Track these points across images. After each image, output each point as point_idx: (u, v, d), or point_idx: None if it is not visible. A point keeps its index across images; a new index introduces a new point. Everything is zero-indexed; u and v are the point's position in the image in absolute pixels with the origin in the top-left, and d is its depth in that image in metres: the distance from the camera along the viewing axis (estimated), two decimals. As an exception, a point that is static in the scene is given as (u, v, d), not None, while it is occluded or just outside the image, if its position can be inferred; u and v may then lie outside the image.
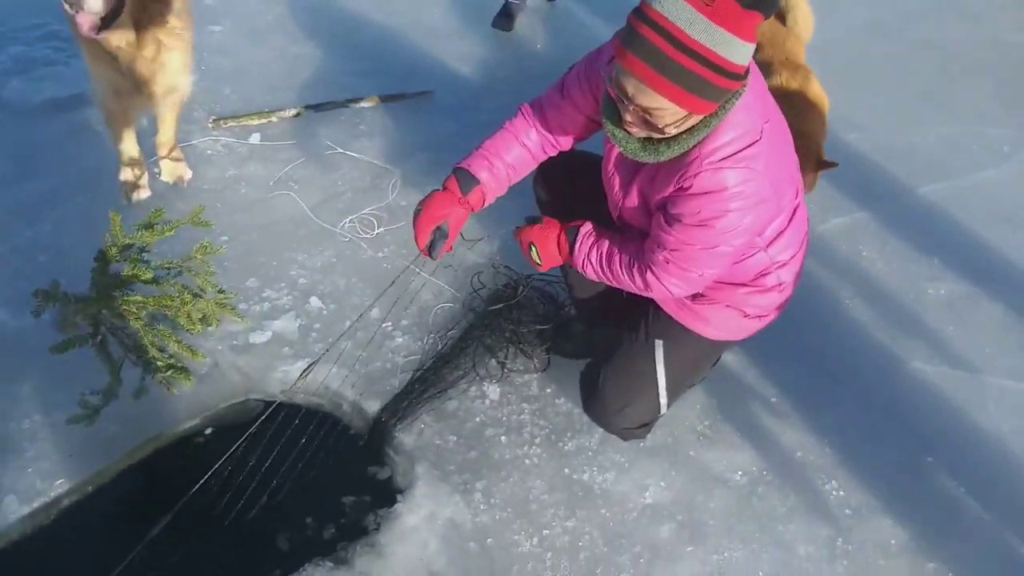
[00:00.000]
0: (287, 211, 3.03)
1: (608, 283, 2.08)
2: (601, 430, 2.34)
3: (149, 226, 2.18)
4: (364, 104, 3.69)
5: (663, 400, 2.22)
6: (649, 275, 1.91)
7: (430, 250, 2.00)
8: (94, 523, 2.07)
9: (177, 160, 3.11)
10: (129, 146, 2.93)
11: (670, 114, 1.63)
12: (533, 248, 2.09)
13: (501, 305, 2.66)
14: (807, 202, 2.12)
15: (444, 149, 3.44)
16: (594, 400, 2.26)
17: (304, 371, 2.20)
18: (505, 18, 4.31)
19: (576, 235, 2.04)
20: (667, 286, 1.92)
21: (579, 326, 2.61)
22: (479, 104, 3.81)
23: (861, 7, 5.16)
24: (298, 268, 2.79)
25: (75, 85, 3.58)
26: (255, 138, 3.41)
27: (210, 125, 3.43)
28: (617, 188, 1.99)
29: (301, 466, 2.15)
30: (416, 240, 2.01)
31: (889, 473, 2.33)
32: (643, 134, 1.74)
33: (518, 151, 2.09)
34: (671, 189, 1.77)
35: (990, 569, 2.13)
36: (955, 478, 2.33)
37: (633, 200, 1.94)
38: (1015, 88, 4.47)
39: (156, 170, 3.10)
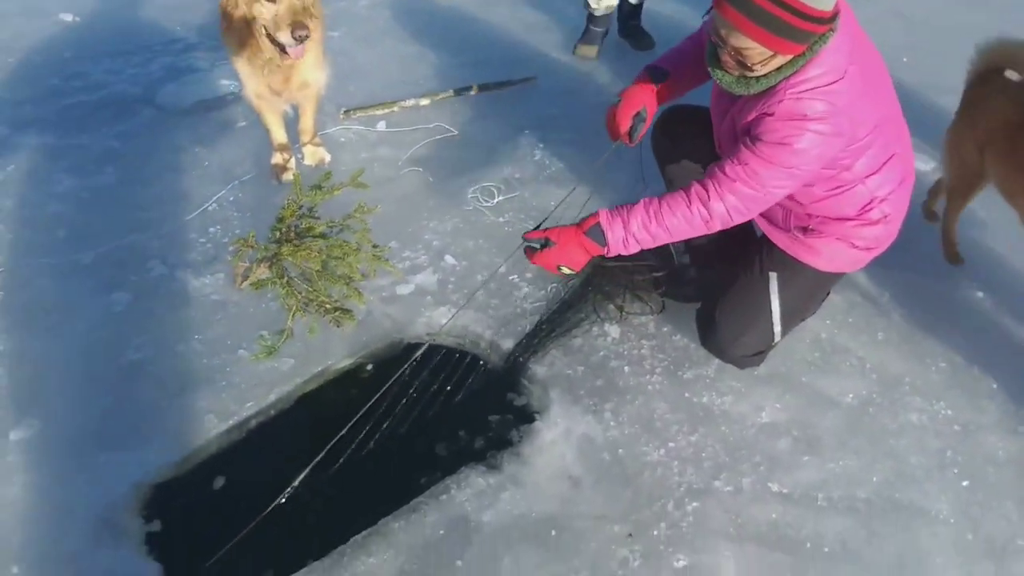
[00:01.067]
0: (416, 185, 3.36)
1: (655, 243, 2.16)
2: (717, 361, 2.56)
3: (318, 187, 2.53)
4: (474, 92, 4.01)
5: (777, 328, 2.42)
6: (713, 197, 2.05)
7: (630, 134, 2.32)
8: (278, 438, 2.40)
9: (317, 145, 3.50)
10: (277, 133, 3.33)
11: (757, 54, 1.88)
12: (561, 267, 2.19)
13: (615, 262, 2.89)
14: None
15: (549, 128, 3.74)
16: (711, 330, 2.48)
17: (452, 316, 2.51)
18: (585, 45, 4.31)
19: (599, 230, 2.13)
20: (728, 208, 2.06)
21: (692, 272, 2.83)
22: (578, 88, 4.09)
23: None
24: (431, 233, 3.11)
25: (218, 89, 4.04)
26: (381, 126, 3.77)
27: (341, 116, 3.82)
28: (716, 119, 2.23)
29: (451, 389, 2.45)
30: (617, 126, 2.34)
31: (994, 395, 2.45)
32: (737, 73, 1.98)
33: (694, 53, 2.36)
34: (754, 114, 2.00)
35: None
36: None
37: (728, 130, 2.17)
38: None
39: (300, 155, 3.48)
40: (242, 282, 2.80)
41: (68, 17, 4.83)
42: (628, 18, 4.36)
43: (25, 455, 2.26)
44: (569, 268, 2.19)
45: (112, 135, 3.68)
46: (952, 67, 2.97)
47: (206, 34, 4.58)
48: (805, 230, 2.33)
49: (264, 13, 2.65)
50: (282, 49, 2.75)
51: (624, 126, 2.33)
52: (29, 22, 4.74)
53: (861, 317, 2.74)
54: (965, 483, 2.23)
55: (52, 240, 3.03)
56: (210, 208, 3.22)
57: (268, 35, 2.71)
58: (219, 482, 2.26)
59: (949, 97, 2.98)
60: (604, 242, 2.13)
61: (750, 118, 2.04)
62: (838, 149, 2.01)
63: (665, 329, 2.71)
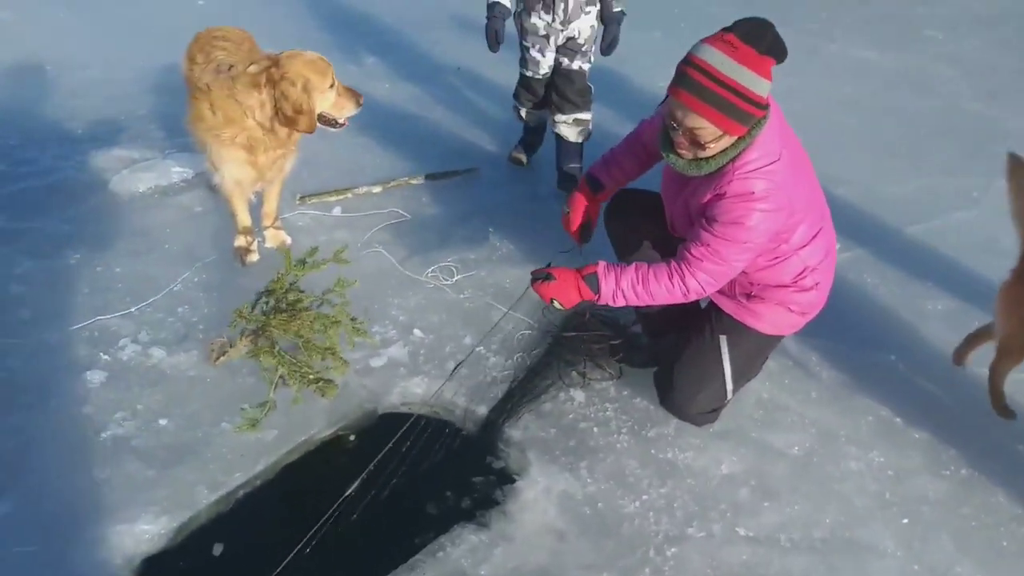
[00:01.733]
0: (378, 266, 3.53)
1: (638, 302, 2.45)
2: (676, 420, 2.79)
3: (302, 262, 2.67)
4: (422, 180, 4.26)
5: (729, 387, 2.70)
6: (687, 275, 2.36)
7: (581, 237, 2.74)
8: (268, 506, 2.46)
9: (278, 229, 3.64)
10: (244, 217, 3.46)
11: (709, 132, 2.20)
12: (554, 301, 2.48)
13: (573, 333, 3.13)
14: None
15: (495, 213, 4.02)
16: (670, 391, 2.73)
17: (438, 389, 2.69)
18: (520, 152, 4.44)
19: (596, 279, 2.42)
20: (700, 283, 2.37)
21: (644, 339, 3.09)
22: (519, 178, 4.40)
23: (834, 86, 5.98)
24: (397, 309, 3.27)
25: (171, 176, 4.14)
26: (336, 211, 3.95)
27: (296, 202, 3.98)
28: (669, 202, 2.54)
29: (436, 455, 2.58)
30: (572, 228, 2.76)
31: (917, 444, 2.78)
32: (690, 155, 2.32)
33: (632, 163, 2.77)
34: (709, 196, 2.31)
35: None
36: (969, 444, 2.78)
37: (681, 210, 2.48)
38: (975, 146, 5.19)
39: (260, 239, 3.60)
40: (217, 358, 2.87)
41: (6, 105, 4.83)
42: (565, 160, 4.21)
43: (9, 530, 2.23)
44: (560, 304, 2.46)
45: (66, 219, 3.70)
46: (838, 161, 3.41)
47: (153, 124, 4.69)
48: (749, 296, 2.64)
49: (328, 100, 3.03)
50: (334, 123, 3.12)
51: (575, 229, 2.79)
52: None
53: (795, 379, 3.06)
54: (905, 520, 2.51)
55: (16, 320, 3.02)
56: (175, 289, 3.28)
57: (322, 118, 3.07)
58: (215, 551, 2.28)
59: (836, 187, 3.42)
60: (597, 290, 2.40)
61: (705, 200, 2.35)
62: (781, 222, 2.34)
63: (625, 392, 2.94)
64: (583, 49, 3.86)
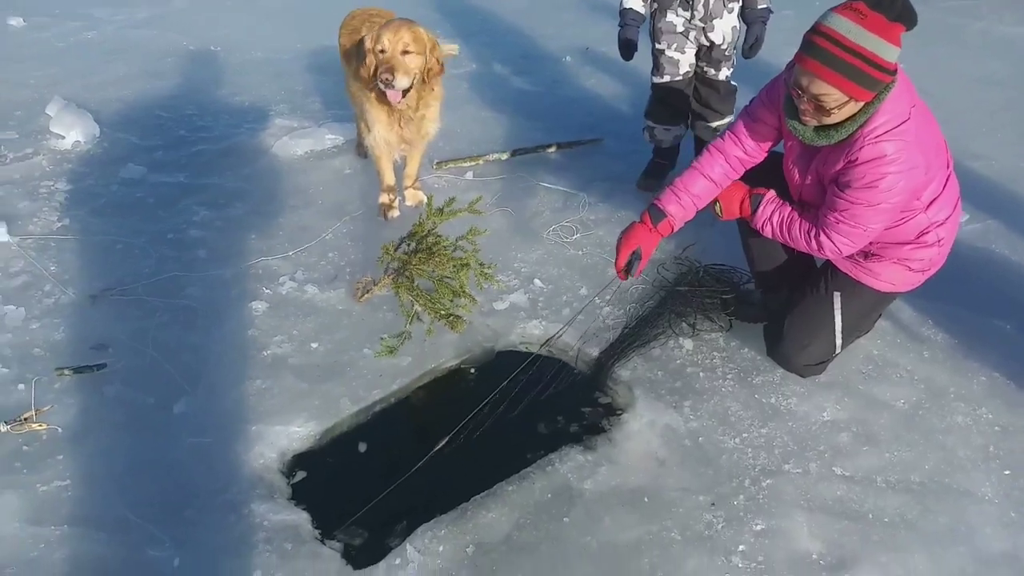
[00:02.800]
0: (504, 224, 3.81)
1: (781, 240, 2.66)
2: (782, 370, 2.90)
3: (440, 211, 2.98)
4: (551, 150, 4.51)
5: (838, 341, 2.79)
6: (823, 236, 2.49)
7: (627, 270, 2.74)
8: (402, 420, 2.80)
9: (417, 189, 3.99)
10: (388, 177, 3.83)
11: (834, 99, 2.26)
12: (717, 204, 2.70)
13: (686, 288, 3.28)
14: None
15: (616, 180, 4.21)
16: (779, 341, 2.85)
17: (558, 332, 2.93)
18: (649, 178, 4.18)
19: (760, 200, 2.67)
20: (837, 244, 2.49)
21: (757, 295, 3.20)
22: (639, 148, 4.54)
23: (977, 64, 5.77)
24: (519, 262, 3.53)
25: (325, 143, 4.59)
26: (469, 175, 4.27)
27: (434, 167, 4.32)
28: (797, 176, 2.63)
29: (550, 388, 2.82)
30: (617, 263, 2.77)
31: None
32: (814, 122, 2.39)
33: (703, 184, 2.75)
34: (841, 164, 2.39)
35: None
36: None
37: (811, 182, 2.57)
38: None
39: (401, 198, 3.97)
40: (362, 295, 3.23)
41: (185, 81, 5.46)
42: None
43: (188, 424, 2.66)
44: (720, 210, 2.73)
45: (238, 177, 4.21)
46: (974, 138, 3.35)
47: (308, 98, 5.20)
48: (867, 255, 2.70)
49: (372, 63, 3.29)
50: (382, 95, 3.32)
51: (621, 263, 2.78)
52: (147, 89, 5.38)
53: (908, 338, 3.08)
54: (1007, 472, 2.52)
55: (195, 259, 3.51)
56: (327, 238, 3.69)
57: (374, 82, 3.30)
58: (354, 452, 2.63)
59: (972, 162, 3.36)
60: (756, 209, 2.65)
61: (837, 168, 2.42)
62: (916, 180, 2.38)
63: (733, 343, 3.07)
64: (726, 54, 3.71)
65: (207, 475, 2.46)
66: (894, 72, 2.29)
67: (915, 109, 2.37)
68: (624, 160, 4.46)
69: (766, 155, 2.78)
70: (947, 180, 2.58)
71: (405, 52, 3.23)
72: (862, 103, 2.29)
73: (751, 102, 2.76)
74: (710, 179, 2.73)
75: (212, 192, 4.06)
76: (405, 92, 3.29)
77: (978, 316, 3.19)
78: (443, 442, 2.50)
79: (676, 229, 2.81)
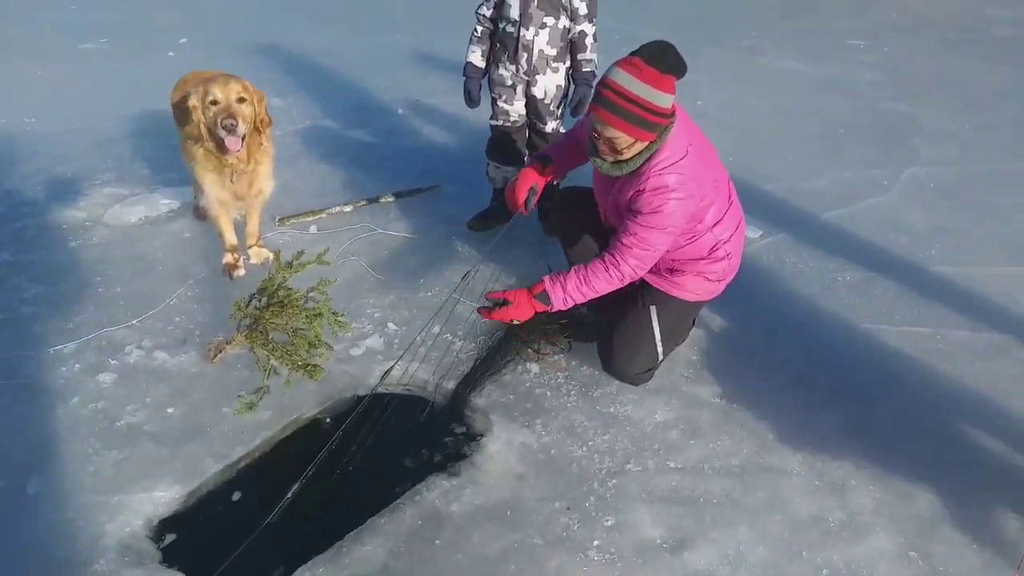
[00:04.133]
0: (354, 273, 3.95)
1: (586, 299, 2.92)
2: (617, 382, 3.23)
3: (288, 264, 3.10)
4: (390, 199, 4.72)
5: (660, 349, 3.16)
6: (620, 262, 2.82)
7: (525, 205, 3.10)
8: (264, 474, 2.85)
9: (261, 247, 4.06)
10: (230, 236, 3.88)
11: (623, 140, 2.69)
12: (513, 321, 2.93)
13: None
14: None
15: (455, 223, 4.48)
16: (610, 357, 3.18)
17: (395, 361, 3.10)
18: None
19: (546, 295, 2.87)
20: (632, 267, 2.84)
21: (590, 316, 3.54)
22: (476, 192, 4.85)
23: (765, 95, 6.60)
24: (372, 307, 3.69)
25: (160, 208, 4.55)
26: (313, 229, 4.39)
27: (276, 223, 4.41)
28: (601, 201, 3.02)
29: (411, 422, 3.00)
30: (516, 198, 3.11)
31: (823, 387, 3.25)
32: (611, 158, 2.79)
33: (571, 150, 3.20)
34: (631, 192, 2.79)
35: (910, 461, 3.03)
36: (867, 386, 3.26)
37: (611, 206, 2.96)
38: (890, 141, 5.79)
39: (246, 257, 4.02)
40: (214, 356, 3.27)
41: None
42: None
43: (44, 503, 2.60)
44: (519, 321, 2.90)
45: (66, 251, 4.09)
46: (766, 162, 3.92)
47: (137, 164, 5.12)
48: (672, 271, 3.11)
49: (203, 119, 3.36)
50: (221, 145, 3.39)
51: (521, 198, 3.13)
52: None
53: (719, 344, 3.52)
54: (808, 447, 2.96)
55: (30, 336, 3.40)
56: (172, 303, 3.68)
57: (210, 135, 3.38)
58: (221, 510, 2.67)
59: (762, 184, 3.92)
60: (549, 302, 2.85)
61: (628, 196, 2.82)
62: (694, 207, 2.81)
63: (574, 363, 3.38)
64: (551, 109, 4.04)
65: (71, 550, 2.43)
66: (671, 115, 2.71)
67: (692, 147, 2.81)
68: (462, 203, 4.73)
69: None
70: (728, 205, 3.04)
71: (239, 100, 3.34)
72: (646, 142, 2.69)
73: (575, 126, 3.26)
74: (573, 145, 3.18)
75: (41, 267, 3.93)
76: (242, 141, 3.39)
77: (774, 318, 3.70)
78: (300, 481, 2.57)
79: (556, 179, 3.28)
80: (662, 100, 2.62)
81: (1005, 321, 3.70)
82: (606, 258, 2.87)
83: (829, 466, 2.88)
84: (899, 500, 2.75)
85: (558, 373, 3.32)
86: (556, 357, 3.41)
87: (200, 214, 4.34)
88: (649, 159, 2.75)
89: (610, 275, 2.86)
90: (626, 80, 2.59)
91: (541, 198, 3.29)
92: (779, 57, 8.01)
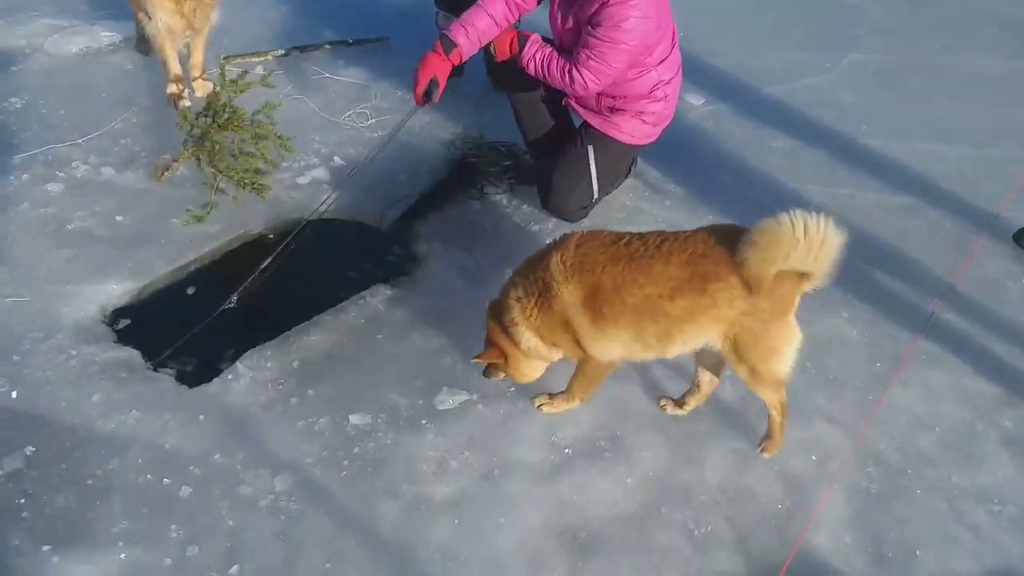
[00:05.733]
0: (300, 112, 3.99)
1: (541, 77, 3.08)
2: (555, 220, 3.41)
3: (233, 82, 3.14)
4: (334, 45, 4.69)
5: (595, 186, 3.34)
6: (575, 72, 2.97)
7: (426, 97, 3.06)
8: (213, 277, 3.00)
9: (206, 80, 4.04)
10: (175, 66, 3.86)
11: None
12: (491, 45, 3.10)
13: (473, 159, 3.70)
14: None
15: (404, 74, 4.46)
16: (548, 192, 3.35)
17: (336, 191, 3.21)
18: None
19: (526, 41, 3.08)
20: (586, 80, 2.97)
21: (531, 162, 3.69)
22: (424, 47, 4.83)
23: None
24: (318, 144, 3.76)
25: (101, 40, 4.45)
26: (259, 69, 4.35)
27: (221, 62, 4.34)
28: (559, 22, 3.11)
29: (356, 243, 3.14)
30: (416, 91, 3.08)
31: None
32: None
33: (487, 21, 3.12)
34: (596, 7, 2.88)
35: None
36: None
37: (571, 26, 3.04)
38: (836, 29, 5.90)
39: (190, 90, 4.01)
40: (162, 174, 3.32)
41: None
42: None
43: (5, 289, 2.71)
44: (493, 50, 3.09)
45: (9, 75, 4.01)
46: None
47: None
48: (612, 110, 3.25)
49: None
50: None
51: (420, 89, 3.13)
52: None
53: (653, 192, 3.71)
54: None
55: (-26, 148, 3.40)
56: (116, 127, 3.69)
57: None
58: (172, 304, 2.81)
59: (708, 58, 4.06)
60: (523, 47, 3.04)
61: (592, 10, 2.90)
62: (651, 32, 2.92)
63: (514, 202, 3.54)
64: None
65: (28, 327, 2.56)
66: None
67: None
68: (409, 57, 4.62)
69: (536, 4, 3.19)
70: (672, 47, 3.17)
71: None
72: None
73: None
74: (492, 18, 3.09)
75: (-16, 89, 3.86)
76: None
77: (707, 175, 3.90)
78: (256, 273, 2.73)
79: (464, 60, 3.17)
80: None
81: (920, 188, 3.97)
82: (567, 64, 3.00)
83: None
84: (801, 323, 3.01)
85: (498, 210, 3.49)
86: (498, 197, 3.56)
87: (143, 48, 4.27)
88: None
89: (564, 76, 3.02)
90: None
91: (489, 63, 3.33)
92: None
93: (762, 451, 2.53)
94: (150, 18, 3.65)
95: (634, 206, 3.61)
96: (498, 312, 2.44)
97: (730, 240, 2.21)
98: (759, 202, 3.70)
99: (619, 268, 2.24)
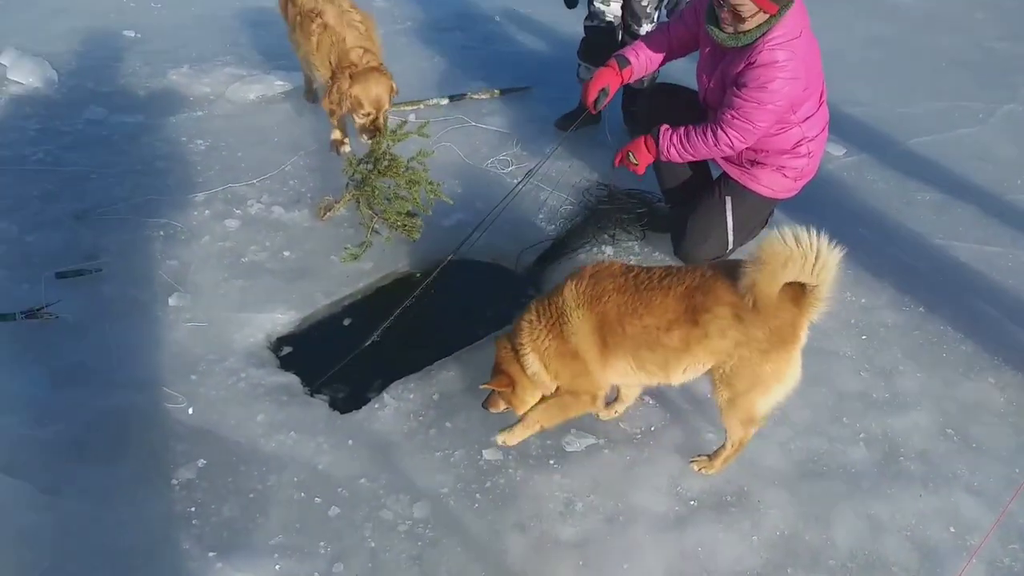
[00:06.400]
0: (448, 157, 4.26)
1: (687, 156, 3.19)
2: (686, 267, 3.46)
3: (394, 133, 3.42)
4: (483, 96, 4.97)
5: (731, 238, 3.38)
6: (720, 132, 3.05)
7: (595, 104, 3.29)
8: (365, 311, 3.26)
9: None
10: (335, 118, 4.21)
11: (748, 8, 2.80)
12: (630, 155, 3.25)
13: (607, 206, 3.82)
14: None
15: (544, 122, 4.71)
16: (682, 239, 3.42)
17: (476, 228, 3.40)
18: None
19: (658, 133, 3.20)
20: (731, 138, 3.04)
21: (666, 209, 3.76)
22: (565, 96, 5.04)
23: (868, 26, 6.48)
24: (463, 188, 3.99)
25: (274, 88, 4.92)
26: (412, 117, 4.69)
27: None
28: (705, 80, 3.19)
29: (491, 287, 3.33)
30: (587, 97, 3.32)
31: (887, 290, 3.41)
32: (731, 28, 2.91)
33: (652, 49, 3.38)
34: (742, 66, 2.94)
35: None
36: (934, 290, 3.40)
37: (715, 85, 3.11)
38: (991, 77, 5.66)
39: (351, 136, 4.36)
40: (324, 214, 3.64)
41: (131, 33, 5.67)
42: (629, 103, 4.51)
43: (182, 313, 3.08)
44: (635, 159, 3.25)
45: (194, 119, 4.52)
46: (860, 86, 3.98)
47: (253, 50, 5.49)
48: (753, 163, 3.29)
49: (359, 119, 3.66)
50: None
51: (591, 97, 3.33)
52: (95, 40, 5.57)
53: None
54: (864, 337, 3.16)
55: (166, 185, 3.86)
56: (286, 168, 4.07)
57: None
58: (330, 334, 3.08)
59: (853, 107, 4.01)
60: (658, 141, 3.17)
61: (739, 69, 2.97)
62: (798, 91, 2.95)
63: (647, 249, 3.63)
64: (648, 12, 4.17)
65: (205, 349, 2.88)
66: None
67: (805, 31, 2.94)
68: (550, 106, 4.95)
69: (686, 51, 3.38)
70: (820, 104, 3.18)
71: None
72: (768, 15, 2.83)
73: (682, 11, 3.34)
74: (657, 45, 3.36)
75: (172, 130, 4.37)
76: None
77: (846, 228, 3.78)
78: (403, 306, 2.95)
79: (633, 79, 3.43)
80: None
81: (1079, 250, 3.74)
82: (709, 125, 3.09)
83: (882, 354, 3.08)
84: (945, 386, 2.94)
85: (631, 257, 3.58)
86: (631, 243, 3.66)
87: (310, 96, 4.69)
88: (765, 33, 2.87)
89: (707, 140, 3.10)
90: None
91: (626, 102, 3.49)
92: (888, -12, 7.77)
93: (693, 462, 2.54)
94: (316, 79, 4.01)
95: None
96: (510, 339, 2.54)
97: (728, 274, 2.29)
98: (898, 258, 3.62)
99: (624, 299, 2.36)
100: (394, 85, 3.70)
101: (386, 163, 3.39)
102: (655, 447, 2.67)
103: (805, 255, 2.15)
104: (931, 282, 3.47)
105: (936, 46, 6.22)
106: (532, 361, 2.48)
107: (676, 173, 3.57)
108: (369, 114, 3.62)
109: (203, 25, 5.93)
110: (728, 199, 3.35)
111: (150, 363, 2.80)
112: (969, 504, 2.53)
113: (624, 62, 3.36)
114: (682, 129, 3.17)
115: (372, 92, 3.59)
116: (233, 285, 3.21)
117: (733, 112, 2.98)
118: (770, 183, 3.30)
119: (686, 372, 2.40)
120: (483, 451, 2.61)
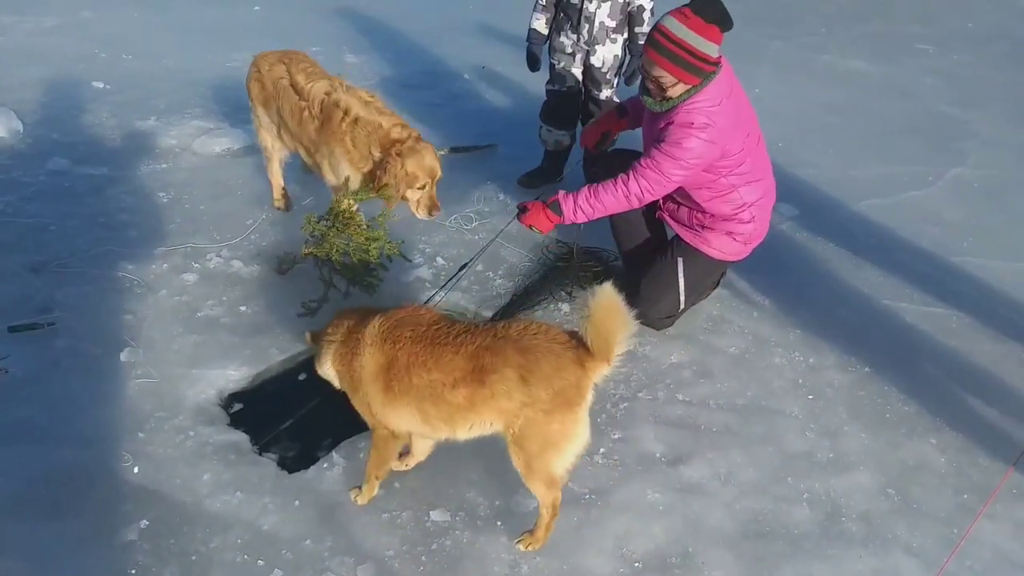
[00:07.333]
0: (409, 215, 4.30)
1: (599, 211, 3.21)
2: (640, 325, 3.52)
3: (354, 193, 3.48)
4: (448, 153, 5.07)
5: (683, 298, 3.46)
6: (631, 180, 3.11)
7: (597, 146, 3.53)
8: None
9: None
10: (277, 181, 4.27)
11: (668, 80, 2.98)
12: (533, 228, 3.30)
13: (564, 264, 3.90)
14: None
15: (507, 179, 4.81)
16: (636, 298, 3.44)
17: (440, 289, 3.45)
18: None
19: (557, 204, 3.23)
20: (640, 186, 3.11)
21: (622, 268, 3.85)
22: (529, 154, 5.16)
23: (821, 91, 6.73)
24: (424, 243, 4.06)
25: (238, 141, 4.98)
26: (376, 172, 4.75)
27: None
28: (646, 139, 3.32)
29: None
30: (590, 137, 3.59)
31: (833, 350, 3.50)
32: (658, 96, 3.09)
33: (631, 107, 3.55)
34: (663, 124, 3.08)
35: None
36: (876, 350, 3.50)
37: (649, 140, 3.25)
38: (940, 142, 5.89)
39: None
40: (284, 269, 3.67)
41: (100, 84, 5.73)
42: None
43: (134, 369, 3.06)
44: (537, 229, 3.26)
45: (159, 171, 4.56)
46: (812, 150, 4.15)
47: (219, 103, 5.56)
48: (703, 227, 3.39)
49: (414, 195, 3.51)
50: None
51: (594, 139, 3.61)
52: (63, 90, 5.61)
53: (741, 303, 3.80)
54: (810, 397, 3.23)
55: (127, 238, 3.87)
56: (247, 223, 4.10)
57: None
58: (282, 391, 3.08)
59: (806, 169, 4.16)
60: (560, 212, 3.18)
61: (660, 127, 3.12)
62: (715, 156, 3.08)
63: (602, 307, 3.68)
64: (607, 78, 4.35)
65: (155, 406, 2.87)
66: (715, 64, 3.00)
67: (728, 101, 3.08)
68: (514, 163, 5.06)
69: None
70: (759, 179, 3.29)
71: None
72: (689, 85, 2.98)
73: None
74: (633, 105, 3.55)
75: (136, 183, 4.40)
76: None
77: (796, 287, 3.95)
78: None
79: (632, 128, 3.63)
80: (706, 47, 2.90)
81: (1021, 313, 3.87)
82: (619, 176, 3.16)
83: (828, 415, 3.15)
84: (888, 447, 3.01)
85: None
86: (587, 300, 3.72)
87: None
88: (687, 100, 3.02)
89: (617, 191, 3.15)
90: (675, 26, 2.89)
91: (586, 163, 3.64)
92: (844, 56, 8.07)
93: (518, 543, 2.53)
94: (334, 174, 3.79)
95: (720, 316, 3.69)
96: (325, 329, 2.62)
97: (518, 337, 2.35)
98: (846, 320, 3.71)
99: (416, 349, 2.39)
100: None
101: (344, 220, 3.43)
102: (602, 507, 2.69)
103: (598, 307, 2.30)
104: (877, 343, 3.57)
105: (887, 111, 6.48)
106: (327, 367, 2.57)
107: (632, 236, 3.68)
108: (424, 186, 3.49)
109: (173, 77, 6.01)
110: (680, 260, 3.44)
111: (98, 420, 2.78)
112: (908, 566, 2.57)
113: (623, 111, 3.58)
114: (584, 189, 3.22)
115: (427, 163, 3.48)
116: (187, 340, 3.21)
117: (648, 161, 3.10)
118: (720, 246, 3.41)
119: (472, 429, 2.42)
120: (430, 512, 2.62)
